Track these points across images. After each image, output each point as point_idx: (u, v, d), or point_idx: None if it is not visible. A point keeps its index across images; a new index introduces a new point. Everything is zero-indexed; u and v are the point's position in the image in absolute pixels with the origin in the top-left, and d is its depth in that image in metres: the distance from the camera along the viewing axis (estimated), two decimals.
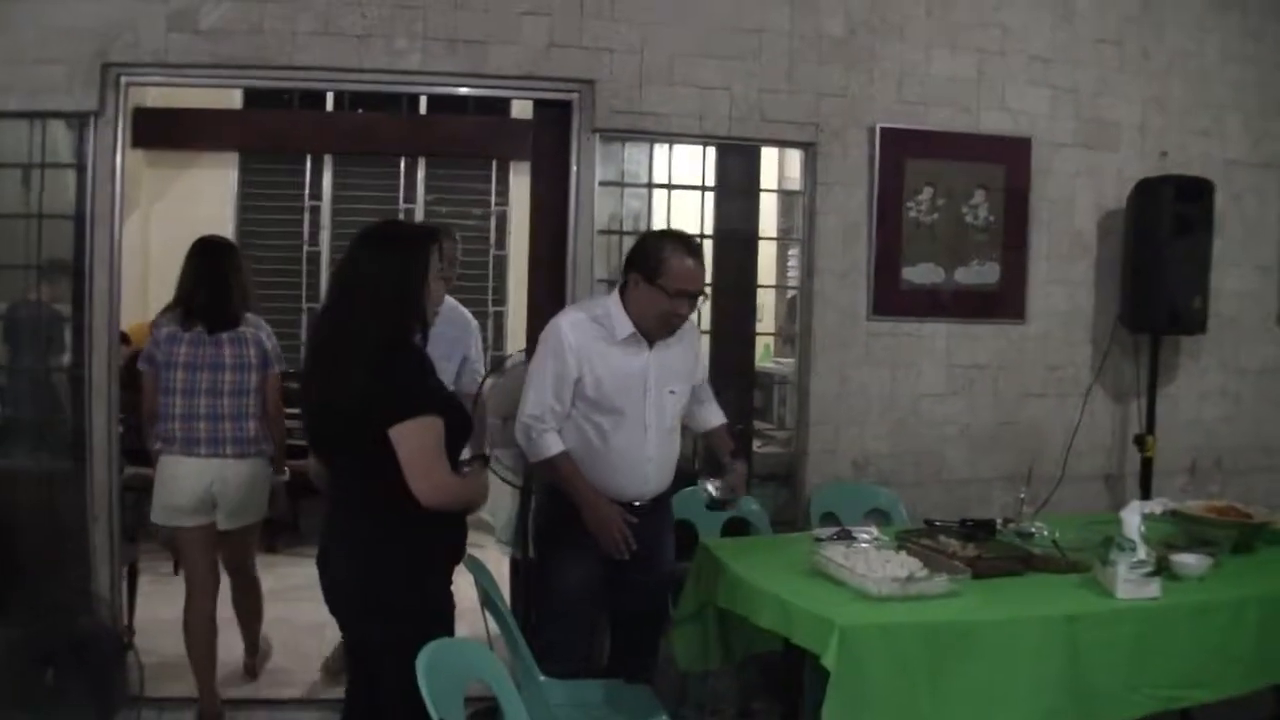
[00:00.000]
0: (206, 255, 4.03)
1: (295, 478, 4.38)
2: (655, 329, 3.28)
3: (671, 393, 3.35)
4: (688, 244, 3.30)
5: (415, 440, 2.49)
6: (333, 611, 2.73)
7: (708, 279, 3.58)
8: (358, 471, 2.60)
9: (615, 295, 3.34)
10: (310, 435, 2.73)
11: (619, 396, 3.27)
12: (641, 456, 3.31)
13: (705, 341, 4.15)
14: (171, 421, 3.94)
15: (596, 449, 3.29)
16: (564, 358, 3.25)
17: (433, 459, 2.52)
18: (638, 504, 3.33)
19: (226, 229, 7.99)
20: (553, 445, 3.26)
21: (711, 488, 3.37)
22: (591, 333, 3.27)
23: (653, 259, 3.23)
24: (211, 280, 3.98)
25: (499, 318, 8.32)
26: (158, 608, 4.67)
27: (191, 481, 3.94)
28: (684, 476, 3.68)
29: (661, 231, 3.57)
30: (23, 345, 4.10)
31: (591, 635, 3.49)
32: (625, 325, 3.28)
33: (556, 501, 3.34)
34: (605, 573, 3.32)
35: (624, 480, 3.31)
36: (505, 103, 7.79)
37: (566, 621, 3.34)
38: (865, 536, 3.42)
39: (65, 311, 4.04)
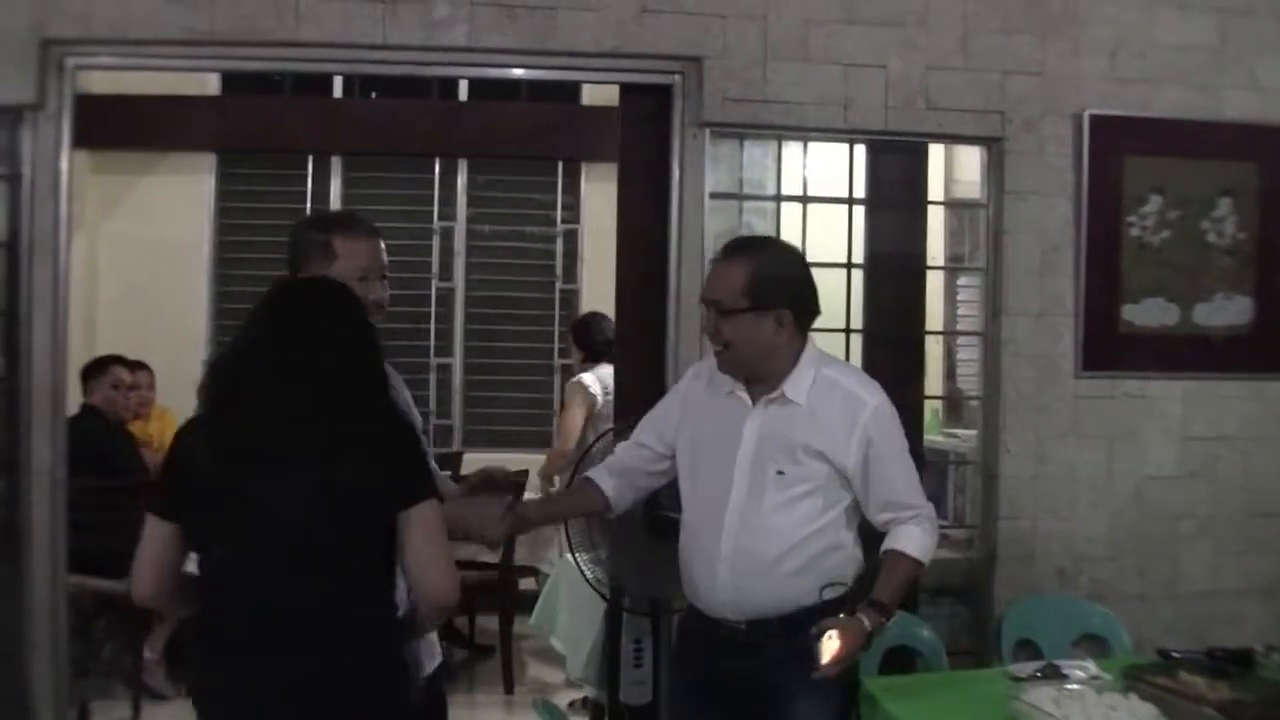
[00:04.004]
0: None
1: None
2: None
3: (780, 474, 3.24)
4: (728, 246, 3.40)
5: (428, 524, 2.63)
6: None
7: (856, 318, 3.98)
8: (323, 588, 2.60)
9: None
10: (247, 541, 2.63)
11: (703, 461, 3.36)
12: (712, 550, 3.25)
13: None
14: None
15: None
16: (671, 397, 3.53)
17: (445, 545, 2.67)
18: (727, 626, 3.27)
19: (201, 251, 8.10)
20: (591, 473, 3.54)
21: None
22: (704, 380, 3.43)
23: None
24: None
25: (569, 375, 8.27)
26: None
27: None
28: None
29: None
30: None
31: None
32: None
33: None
34: None
35: (694, 576, 3.35)
36: (573, 86, 7.78)
37: None
38: (1079, 674, 3.39)
39: None
